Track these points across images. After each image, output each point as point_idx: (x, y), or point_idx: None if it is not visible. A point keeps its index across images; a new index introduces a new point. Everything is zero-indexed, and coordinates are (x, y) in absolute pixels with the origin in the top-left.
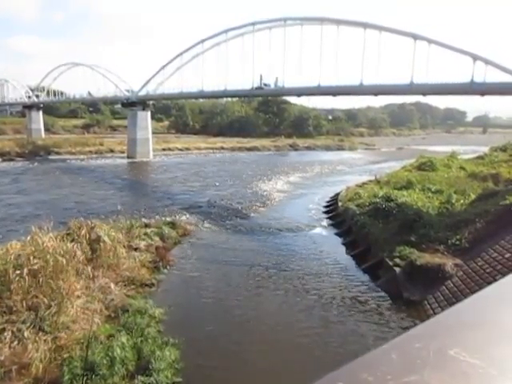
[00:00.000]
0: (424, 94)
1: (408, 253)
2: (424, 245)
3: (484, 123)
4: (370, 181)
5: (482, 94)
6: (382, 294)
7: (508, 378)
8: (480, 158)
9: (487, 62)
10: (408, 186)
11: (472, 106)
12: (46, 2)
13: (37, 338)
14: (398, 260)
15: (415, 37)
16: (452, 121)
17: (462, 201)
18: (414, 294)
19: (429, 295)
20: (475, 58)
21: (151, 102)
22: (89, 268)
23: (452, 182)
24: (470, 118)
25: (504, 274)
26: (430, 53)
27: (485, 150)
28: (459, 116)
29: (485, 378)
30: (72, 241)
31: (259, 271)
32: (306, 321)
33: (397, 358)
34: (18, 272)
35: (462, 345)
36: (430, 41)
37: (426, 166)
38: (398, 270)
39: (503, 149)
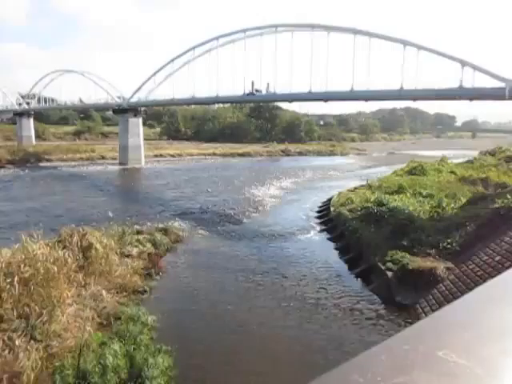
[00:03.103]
0: (414, 99)
1: (400, 257)
2: (416, 249)
3: (473, 128)
4: (362, 186)
5: (471, 98)
6: (375, 298)
7: (494, 377)
8: (470, 162)
9: (475, 67)
10: (399, 190)
11: (461, 111)
12: (35, 10)
13: (28, 347)
14: (390, 264)
15: (405, 43)
16: (442, 126)
17: (452, 205)
18: (407, 298)
19: (421, 299)
20: (463, 63)
21: (143, 109)
22: (80, 275)
23: (443, 187)
24: (459, 122)
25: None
26: (420, 59)
27: (474, 154)
28: (449, 121)
29: (472, 378)
30: (63, 248)
31: (252, 277)
32: (298, 326)
33: (386, 360)
34: (8, 280)
35: (451, 346)
36: (419, 47)
37: (416, 170)
38: (390, 274)
39: (492, 153)
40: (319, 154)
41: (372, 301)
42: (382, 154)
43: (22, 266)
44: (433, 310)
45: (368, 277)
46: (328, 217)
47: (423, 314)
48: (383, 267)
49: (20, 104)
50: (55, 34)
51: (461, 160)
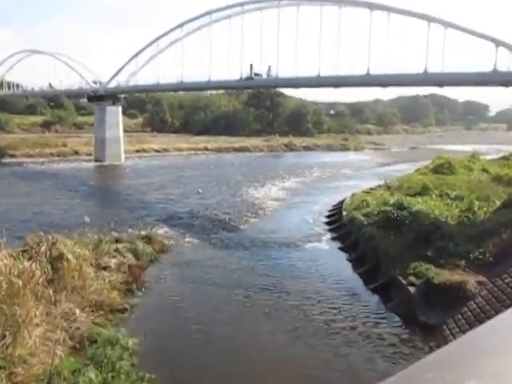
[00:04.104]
0: (440, 84)
1: (424, 269)
2: (442, 260)
3: (509, 118)
4: (379, 186)
5: (506, 84)
6: (395, 317)
7: None
8: (505, 158)
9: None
10: (423, 191)
11: (495, 98)
12: None
13: None
14: (412, 278)
15: (429, 19)
16: (473, 116)
17: (485, 208)
18: (432, 317)
19: (448, 318)
20: (497, 43)
21: (122, 96)
22: (50, 291)
23: (474, 187)
24: (493, 112)
25: None
26: (447, 38)
27: (510, 149)
28: (481, 110)
29: None
30: (30, 259)
31: (250, 294)
32: (304, 353)
33: None
34: None
35: (481, 375)
36: (446, 24)
37: (443, 168)
38: (412, 289)
39: None
40: (329, 148)
41: (392, 321)
42: (403, 148)
43: None
44: (462, 332)
45: (387, 293)
46: (340, 222)
47: (451, 337)
48: (404, 281)
49: None
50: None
51: (495, 156)
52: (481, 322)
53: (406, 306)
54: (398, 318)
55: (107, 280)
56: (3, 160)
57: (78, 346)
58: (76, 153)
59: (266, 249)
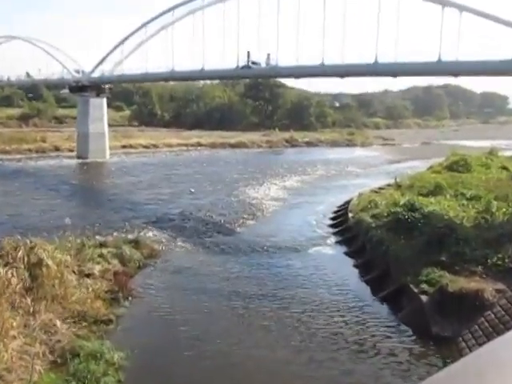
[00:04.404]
0: (456, 74)
1: (437, 276)
2: (457, 266)
3: None
4: (389, 185)
5: None
6: (406, 329)
7: None
8: None
9: None
10: (436, 191)
11: None
12: None
13: None
14: (424, 286)
15: (443, 3)
16: (491, 108)
17: (504, 209)
18: (446, 329)
19: (464, 330)
20: None
21: (108, 86)
22: (28, 300)
23: (492, 186)
24: None
25: None
26: (462, 23)
27: None
28: (500, 102)
29: None
30: (5, 265)
31: (247, 304)
32: (308, 370)
33: None
34: None
35: None
36: (461, 8)
37: (458, 165)
38: (424, 298)
39: None
40: (334, 144)
41: (402, 333)
42: (415, 144)
43: None
44: (479, 345)
45: (397, 302)
46: (345, 225)
47: (467, 350)
48: (416, 289)
49: None
50: None
51: None
52: (499, 333)
53: (418, 316)
54: (409, 330)
55: (91, 288)
56: None
57: (58, 360)
58: (56, 149)
59: (264, 254)
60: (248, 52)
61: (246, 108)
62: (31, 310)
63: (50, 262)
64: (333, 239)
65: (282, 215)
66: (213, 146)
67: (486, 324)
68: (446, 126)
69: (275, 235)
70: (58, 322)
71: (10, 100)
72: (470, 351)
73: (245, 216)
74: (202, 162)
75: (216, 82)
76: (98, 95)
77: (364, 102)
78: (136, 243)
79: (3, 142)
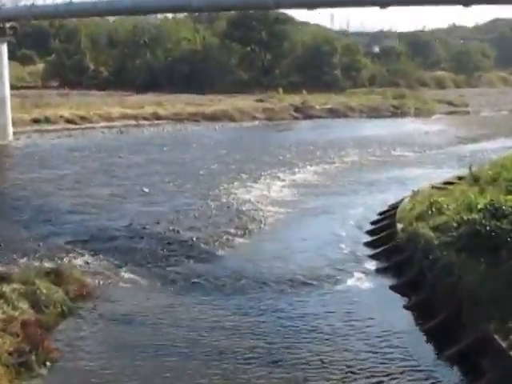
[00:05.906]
0: None
1: None
2: None
3: None
4: (460, 178)
5: None
6: None
7: None
8: None
9: None
10: None
11: None
12: None
13: None
14: None
15: None
16: None
17: None
18: None
19: None
20: None
21: (9, 25)
22: None
23: None
24: None
25: None
26: None
27: None
28: None
29: None
30: None
31: (232, 370)
32: None
33: None
34: None
35: None
36: None
37: None
38: None
39: None
40: (373, 113)
41: None
42: (501, 111)
43: None
44: None
45: (474, 361)
46: (392, 243)
47: None
48: (504, 343)
49: None
50: None
51: None
52: None
53: None
54: None
55: None
56: None
57: None
58: None
59: (262, 292)
60: None
61: (231, 57)
62: None
63: None
64: (372, 265)
65: (290, 228)
66: (178, 118)
67: None
68: None
69: (280, 260)
70: None
71: None
72: None
73: (230, 230)
74: (160, 145)
75: (182, 15)
76: None
77: (420, 46)
78: (57, 276)
79: None
